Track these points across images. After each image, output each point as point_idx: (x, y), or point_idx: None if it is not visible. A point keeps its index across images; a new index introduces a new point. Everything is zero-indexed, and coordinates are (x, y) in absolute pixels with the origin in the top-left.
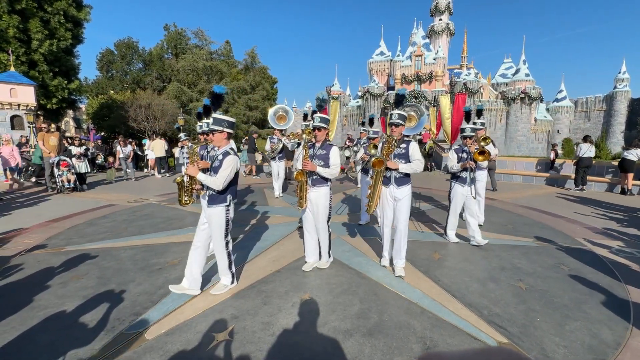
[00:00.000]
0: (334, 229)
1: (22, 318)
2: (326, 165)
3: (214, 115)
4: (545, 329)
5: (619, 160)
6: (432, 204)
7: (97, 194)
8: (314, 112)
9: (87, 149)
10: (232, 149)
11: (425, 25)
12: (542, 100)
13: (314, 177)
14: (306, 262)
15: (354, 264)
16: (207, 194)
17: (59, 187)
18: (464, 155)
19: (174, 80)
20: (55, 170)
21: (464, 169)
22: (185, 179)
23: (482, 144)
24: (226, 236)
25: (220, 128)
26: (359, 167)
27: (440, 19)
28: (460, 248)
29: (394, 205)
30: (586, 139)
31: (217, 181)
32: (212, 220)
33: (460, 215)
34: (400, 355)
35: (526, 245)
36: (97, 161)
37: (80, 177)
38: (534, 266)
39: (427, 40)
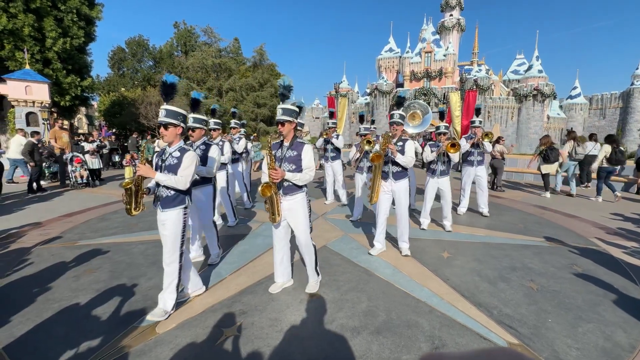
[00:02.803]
0: (340, 226)
1: (38, 310)
2: (298, 169)
3: (168, 107)
4: (557, 331)
5: (636, 159)
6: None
7: (109, 190)
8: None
9: (99, 146)
10: (186, 145)
11: (436, 21)
12: (555, 97)
13: (285, 184)
14: (275, 282)
15: (362, 261)
16: (161, 197)
17: (72, 182)
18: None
19: (183, 77)
20: (69, 166)
21: (435, 159)
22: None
23: (486, 140)
24: (182, 246)
25: (177, 122)
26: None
27: (451, 15)
28: (469, 247)
29: (390, 198)
30: (591, 137)
31: (181, 180)
32: (168, 226)
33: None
34: (408, 353)
35: (538, 245)
36: (114, 159)
37: (93, 173)
38: (545, 266)
39: (437, 37)
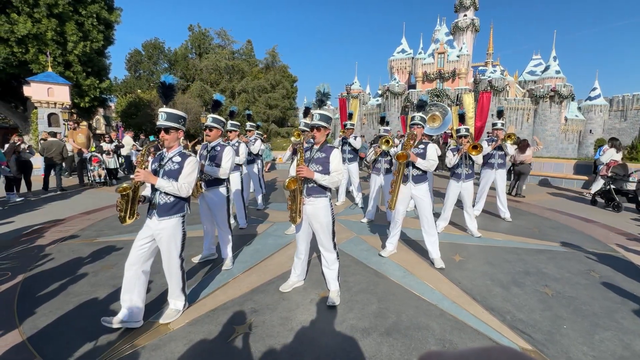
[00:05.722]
0: (351, 227)
1: (59, 303)
2: (325, 171)
3: (168, 110)
4: (573, 337)
5: None
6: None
7: None
8: (307, 109)
9: (116, 146)
10: (185, 149)
11: (449, 21)
12: (573, 99)
13: (310, 184)
14: (288, 279)
15: (372, 263)
16: (156, 204)
17: (90, 181)
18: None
19: (197, 79)
20: (88, 165)
21: (458, 165)
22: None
23: (509, 142)
24: (182, 253)
25: (178, 126)
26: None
27: (465, 15)
28: (481, 251)
29: (407, 201)
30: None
31: (184, 187)
32: (166, 235)
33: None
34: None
35: (553, 250)
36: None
37: (110, 172)
38: (561, 272)
39: (451, 37)
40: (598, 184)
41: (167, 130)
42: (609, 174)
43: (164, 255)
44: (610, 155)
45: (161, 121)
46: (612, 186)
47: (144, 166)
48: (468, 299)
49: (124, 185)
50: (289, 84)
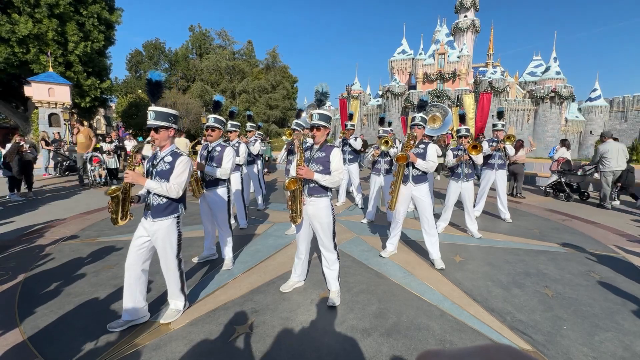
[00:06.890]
0: (351, 228)
1: (60, 303)
2: (326, 170)
3: (157, 108)
4: (573, 338)
5: None
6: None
7: None
8: (299, 110)
9: (117, 146)
10: (178, 148)
11: (450, 22)
12: (573, 100)
13: (311, 184)
14: (289, 279)
15: (373, 263)
16: (150, 205)
17: (91, 181)
18: (459, 152)
19: (197, 79)
20: (88, 165)
21: (458, 164)
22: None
23: (508, 143)
24: (179, 253)
25: (167, 124)
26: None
27: (466, 16)
28: (482, 251)
29: (408, 201)
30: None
31: (173, 188)
32: (160, 236)
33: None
34: None
35: (553, 251)
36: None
37: (111, 172)
38: (561, 273)
39: (451, 38)
40: (552, 178)
41: (156, 129)
42: (559, 169)
43: (161, 256)
44: (561, 153)
45: (150, 120)
46: (563, 179)
47: (133, 167)
48: (468, 299)
49: (113, 187)
50: (290, 85)
